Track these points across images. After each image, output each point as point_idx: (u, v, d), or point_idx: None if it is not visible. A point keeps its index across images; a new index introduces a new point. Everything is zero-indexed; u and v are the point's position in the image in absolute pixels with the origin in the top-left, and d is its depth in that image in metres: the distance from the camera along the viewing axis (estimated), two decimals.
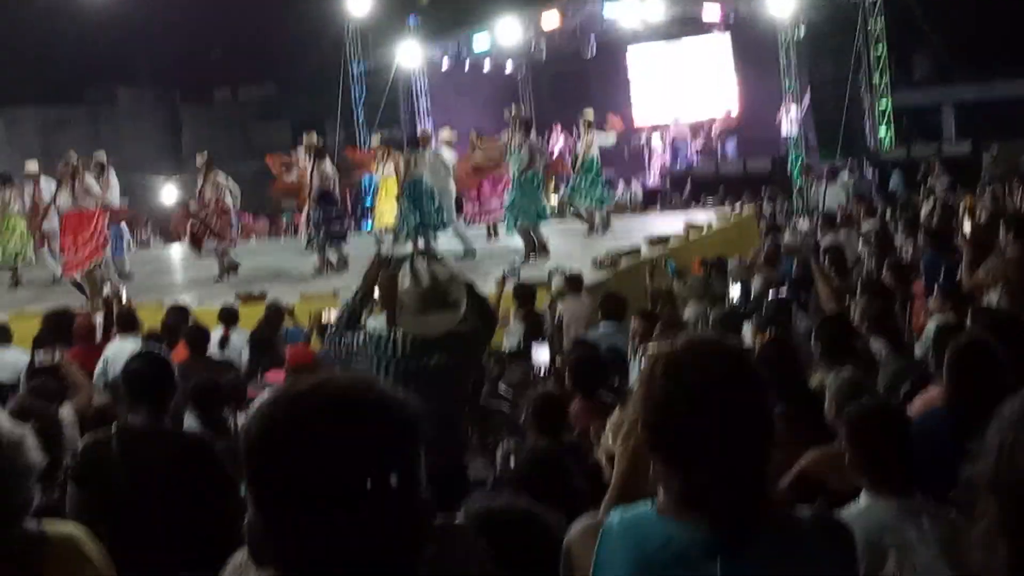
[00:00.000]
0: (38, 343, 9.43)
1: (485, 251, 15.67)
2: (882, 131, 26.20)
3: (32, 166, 16.54)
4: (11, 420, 2.39)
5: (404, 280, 4.98)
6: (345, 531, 1.38)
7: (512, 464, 3.85)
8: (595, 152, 17.07)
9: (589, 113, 17.50)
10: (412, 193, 14.78)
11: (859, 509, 3.27)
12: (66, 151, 15.45)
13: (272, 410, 1.43)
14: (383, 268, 5.27)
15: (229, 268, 15.50)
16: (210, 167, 15.58)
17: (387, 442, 1.42)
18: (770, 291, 10.38)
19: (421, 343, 4.97)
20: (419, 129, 16.10)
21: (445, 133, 17.79)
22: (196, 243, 15.73)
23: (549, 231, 15.87)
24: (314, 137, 15.84)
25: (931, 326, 6.96)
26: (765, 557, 1.92)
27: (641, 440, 2.04)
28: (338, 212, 15.68)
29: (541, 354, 8.06)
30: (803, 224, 17.70)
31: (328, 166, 15.40)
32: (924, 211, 15.71)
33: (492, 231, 17.61)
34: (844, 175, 23.42)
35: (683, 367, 1.97)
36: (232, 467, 4.01)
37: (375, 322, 5.57)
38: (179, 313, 10.47)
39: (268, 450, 1.41)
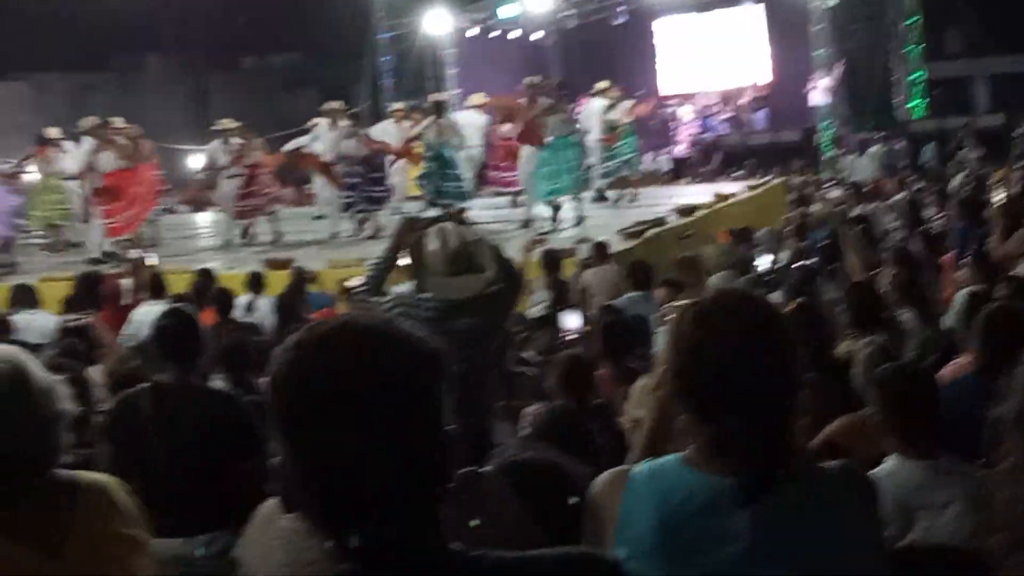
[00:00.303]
0: (68, 305, 9.51)
1: (505, 216, 15.66)
2: (914, 103, 25.96)
3: (53, 132, 16.60)
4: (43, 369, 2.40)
5: (431, 243, 4.98)
6: (372, 466, 1.38)
7: (535, 425, 3.85)
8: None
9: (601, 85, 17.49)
10: (436, 160, 14.85)
11: (887, 470, 3.27)
12: (93, 117, 15.53)
13: (298, 348, 1.44)
14: (411, 231, 5.26)
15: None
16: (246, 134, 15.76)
17: (412, 374, 1.43)
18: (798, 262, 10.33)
19: (448, 306, 4.97)
20: (432, 96, 15.90)
21: (476, 98, 17.66)
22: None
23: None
24: (335, 104, 15.90)
25: (961, 296, 6.91)
26: (791, 506, 1.93)
27: (670, 390, 2.05)
28: (377, 178, 15.67)
29: (571, 320, 8.07)
30: (834, 194, 17.58)
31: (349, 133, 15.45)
32: (955, 182, 15.59)
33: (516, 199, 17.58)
34: (875, 147, 23.23)
35: (713, 315, 1.97)
36: (260, 423, 4.03)
37: (402, 287, 5.58)
38: (206, 276, 10.53)
39: (297, 387, 1.41)
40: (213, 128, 16.37)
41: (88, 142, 15.29)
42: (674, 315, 2.05)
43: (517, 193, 17.03)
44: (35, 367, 2.37)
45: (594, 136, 16.89)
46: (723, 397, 1.93)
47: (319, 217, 17.32)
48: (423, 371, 1.44)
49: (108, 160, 14.79)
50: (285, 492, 1.48)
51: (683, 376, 1.99)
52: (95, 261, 14.02)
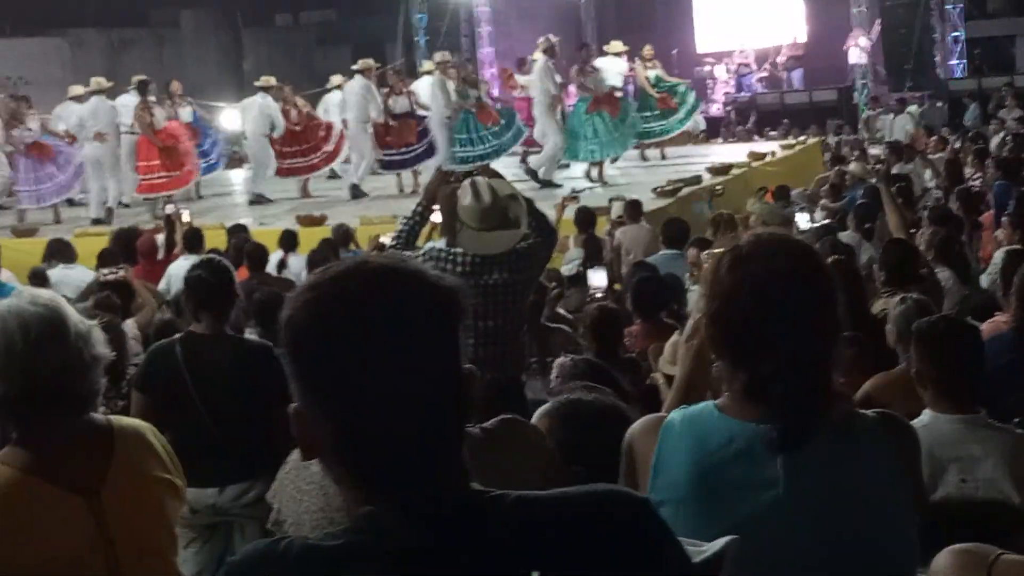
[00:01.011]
0: (103, 260, 9.57)
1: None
2: (954, 62, 25.61)
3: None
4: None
5: (464, 197, 4.96)
6: (390, 404, 1.37)
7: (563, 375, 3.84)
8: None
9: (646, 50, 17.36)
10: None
11: (922, 423, 3.24)
12: (131, 73, 15.59)
13: (313, 289, 1.42)
14: (444, 184, 5.25)
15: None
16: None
17: (428, 310, 1.40)
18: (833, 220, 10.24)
19: (481, 260, 4.96)
20: (440, 55, 15.80)
21: (616, 45, 17.29)
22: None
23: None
24: (370, 62, 15.86)
25: (999, 254, 6.83)
26: (828, 452, 1.91)
27: (706, 336, 2.03)
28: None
29: (598, 278, 8.04)
30: (872, 152, 17.41)
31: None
32: (995, 142, 15.38)
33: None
34: (913, 106, 22.95)
35: (749, 259, 1.95)
36: None
37: (435, 242, 5.58)
38: (241, 231, 10.58)
39: (312, 326, 1.39)
40: (257, 84, 16.34)
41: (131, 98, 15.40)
42: (709, 263, 2.03)
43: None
44: (72, 312, 2.39)
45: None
46: (760, 341, 1.90)
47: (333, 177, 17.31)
48: (439, 306, 1.41)
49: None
50: (301, 439, 1.46)
51: (719, 321, 1.97)
52: (97, 221, 14.17)
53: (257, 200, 15.72)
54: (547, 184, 14.27)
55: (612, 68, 16.70)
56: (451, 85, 15.14)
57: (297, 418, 1.42)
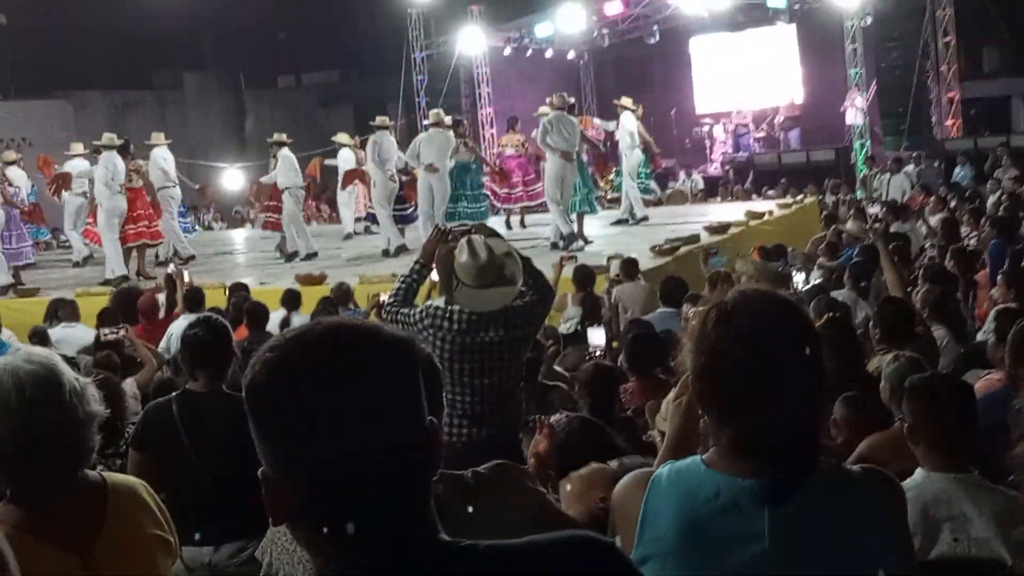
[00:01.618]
0: (103, 319, 9.60)
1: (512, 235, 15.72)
2: (949, 122, 25.82)
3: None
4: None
5: (461, 254, 5.00)
6: (353, 463, 1.37)
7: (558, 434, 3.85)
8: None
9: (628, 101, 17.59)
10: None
11: (915, 482, 3.24)
12: (133, 135, 15.77)
13: (271, 351, 1.43)
14: (442, 242, 5.28)
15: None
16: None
17: (384, 364, 1.41)
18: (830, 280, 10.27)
19: (477, 318, 4.99)
20: (433, 113, 16.00)
21: (627, 100, 17.58)
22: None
23: (606, 217, 15.98)
24: (387, 120, 16.11)
25: (994, 313, 6.86)
26: (814, 506, 1.92)
27: (693, 391, 2.04)
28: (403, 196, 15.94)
29: (596, 336, 8.06)
30: (871, 210, 17.50)
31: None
32: (991, 201, 15.47)
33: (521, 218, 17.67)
34: (909, 165, 23.10)
35: (735, 313, 1.96)
36: None
37: (433, 300, 5.61)
38: (241, 290, 10.62)
39: (268, 388, 1.40)
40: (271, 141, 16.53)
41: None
42: (695, 318, 2.05)
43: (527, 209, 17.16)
44: (67, 369, 2.41)
45: (635, 152, 16.94)
46: (746, 396, 1.92)
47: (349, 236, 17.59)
48: (394, 360, 1.42)
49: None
50: (268, 502, 1.46)
51: (705, 376, 1.98)
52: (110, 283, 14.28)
53: (304, 257, 15.77)
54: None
55: (625, 124, 16.91)
56: (452, 142, 15.32)
57: (264, 481, 1.43)
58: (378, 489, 1.39)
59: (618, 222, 17.06)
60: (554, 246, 14.20)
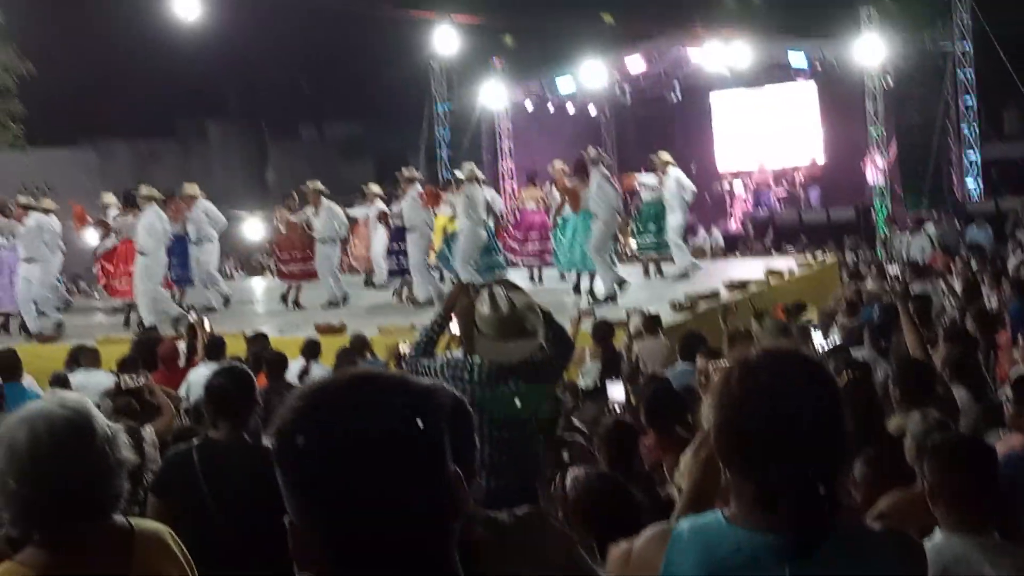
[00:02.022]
0: (124, 366, 9.64)
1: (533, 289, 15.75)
2: (970, 183, 25.84)
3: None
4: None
5: (482, 307, 5.03)
6: (379, 519, 1.39)
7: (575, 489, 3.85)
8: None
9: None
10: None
11: (935, 542, 3.23)
12: (157, 183, 15.95)
13: (302, 402, 1.45)
14: (463, 294, 5.32)
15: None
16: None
17: (410, 414, 1.42)
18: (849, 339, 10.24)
19: (497, 370, 5.01)
20: (468, 169, 16.12)
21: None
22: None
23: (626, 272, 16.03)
24: (414, 171, 16.23)
25: (1014, 374, 6.84)
26: (835, 564, 1.92)
27: (714, 448, 2.06)
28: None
29: (616, 391, 8.04)
30: (892, 270, 17.47)
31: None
32: (1012, 263, 15.44)
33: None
34: (929, 225, 23.11)
35: (758, 371, 1.98)
36: None
37: (453, 351, 5.64)
38: (261, 340, 10.65)
39: (299, 443, 1.41)
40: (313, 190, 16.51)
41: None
42: (718, 375, 2.06)
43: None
44: (99, 415, 2.44)
45: (680, 208, 16.86)
46: (768, 453, 1.93)
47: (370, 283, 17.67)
48: (419, 410, 1.43)
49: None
50: (294, 552, 1.47)
51: (726, 432, 2.00)
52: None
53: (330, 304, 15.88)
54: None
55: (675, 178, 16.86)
56: (483, 196, 15.41)
57: (291, 531, 1.44)
58: (399, 540, 1.40)
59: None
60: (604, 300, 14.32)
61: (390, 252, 16.22)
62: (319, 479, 1.40)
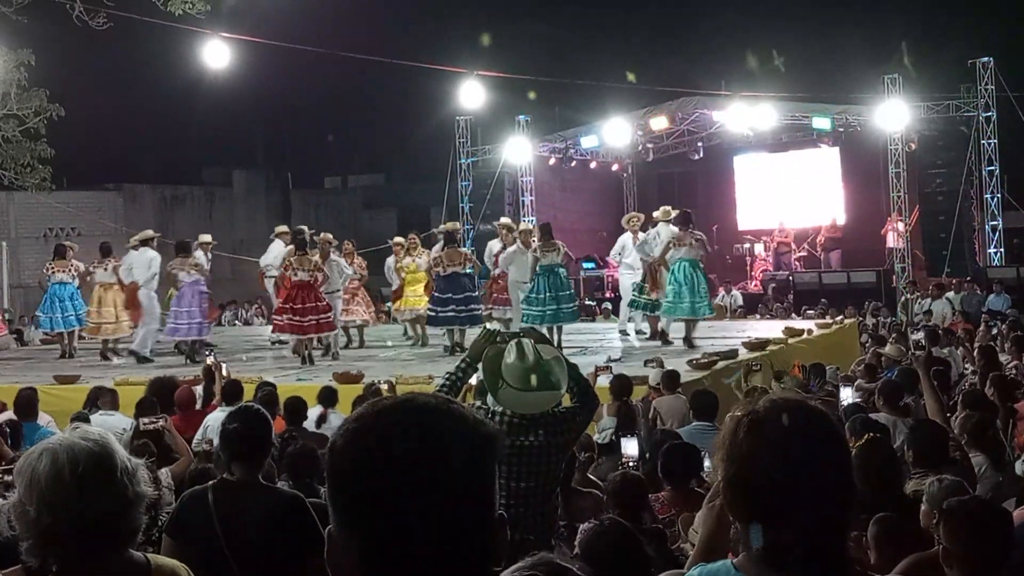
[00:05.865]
0: (141, 409, 9.67)
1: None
2: (991, 250, 25.79)
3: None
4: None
5: (509, 356, 5.03)
6: (423, 540, 1.41)
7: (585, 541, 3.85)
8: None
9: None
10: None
11: None
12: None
13: (358, 420, 1.48)
14: (491, 343, 5.31)
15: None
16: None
17: (468, 451, 1.45)
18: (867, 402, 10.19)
19: (520, 420, 5.01)
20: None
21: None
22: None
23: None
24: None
25: None
26: None
27: (724, 499, 2.06)
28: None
29: (630, 447, 8.03)
30: (914, 336, 17.40)
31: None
32: None
33: None
34: (951, 291, 23.04)
35: (766, 422, 2.00)
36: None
37: (476, 400, 5.63)
38: (267, 387, 10.68)
39: (353, 458, 1.45)
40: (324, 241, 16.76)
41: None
42: (726, 425, 2.08)
43: None
44: (120, 449, 2.47)
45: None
46: (777, 504, 1.94)
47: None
48: (476, 450, 1.46)
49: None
50: (332, 564, 1.50)
51: (735, 484, 2.00)
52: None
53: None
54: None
55: (664, 235, 16.85)
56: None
57: (329, 539, 1.48)
58: (439, 565, 1.42)
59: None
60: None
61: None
62: (361, 497, 1.44)
